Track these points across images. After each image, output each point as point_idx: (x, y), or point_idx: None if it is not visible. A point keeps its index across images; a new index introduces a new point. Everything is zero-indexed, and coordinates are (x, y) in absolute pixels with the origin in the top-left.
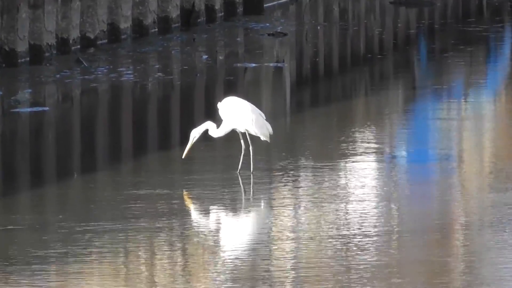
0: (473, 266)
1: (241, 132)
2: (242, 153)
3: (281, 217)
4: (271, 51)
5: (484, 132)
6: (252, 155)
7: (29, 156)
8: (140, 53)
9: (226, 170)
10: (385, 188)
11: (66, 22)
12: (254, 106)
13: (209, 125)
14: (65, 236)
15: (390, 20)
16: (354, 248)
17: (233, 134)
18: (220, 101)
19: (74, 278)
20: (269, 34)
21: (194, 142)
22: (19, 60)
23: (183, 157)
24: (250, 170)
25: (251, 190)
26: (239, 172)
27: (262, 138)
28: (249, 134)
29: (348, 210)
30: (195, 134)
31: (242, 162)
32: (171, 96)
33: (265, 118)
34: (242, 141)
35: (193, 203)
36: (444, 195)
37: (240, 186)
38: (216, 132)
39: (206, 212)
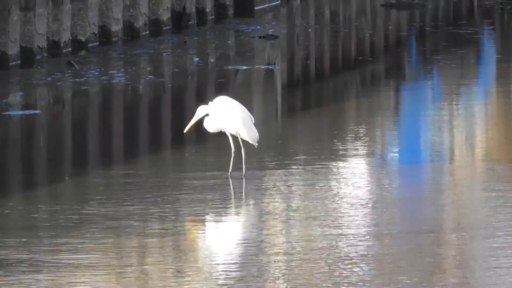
0: (465, 267)
1: (230, 134)
2: (232, 156)
3: (273, 220)
4: (262, 54)
5: (476, 133)
6: (244, 158)
7: (20, 159)
8: (131, 56)
9: (218, 173)
10: (376, 190)
11: (57, 24)
12: (244, 108)
13: (210, 109)
14: (55, 239)
15: (381, 22)
16: (346, 250)
17: (225, 136)
18: (212, 100)
19: (64, 283)
20: (260, 37)
21: (198, 120)
22: (10, 63)
23: (185, 131)
24: (243, 173)
25: (243, 193)
26: (230, 175)
27: (250, 141)
28: (234, 137)
29: (339, 212)
30: (199, 111)
31: (232, 165)
32: (162, 99)
33: (253, 121)
34: (231, 144)
35: (184, 206)
36: (435, 196)
37: (231, 189)
38: (209, 125)
39: (196, 216)
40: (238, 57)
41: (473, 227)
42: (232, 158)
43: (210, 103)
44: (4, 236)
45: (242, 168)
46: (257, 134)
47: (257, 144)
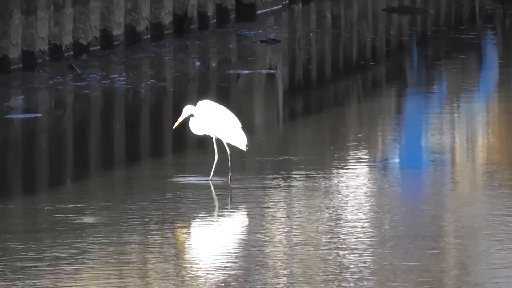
0: (466, 272)
1: (215, 138)
2: (215, 161)
3: (272, 225)
4: (264, 58)
5: (476, 138)
6: (230, 161)
7: (21, 162)
8: (133, 60)
9: (217, 177)
10: (377, 195)
11: (59, 28)
12: (228, 112)
13: (194, 112)
14: (56, 244)
15: (383, 27)
16: (346, 255)
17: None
18: (195, 104)
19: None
20: (261, 41)
21: (186, 117)
22: (12, 67)
23: (174, 127)
24: (228, 177)
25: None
26: (211, 180)
27: (238, 146)
28: (220, 141)
29: (340, 218)
30: (185, 110)
31: (214, 170)
32: (164, 103)
33: (240, 125)
34: (215, 148)
35: (182, 210)
36: (436, 201)
37: (213, 194)
38: (194, 128)
39: (194, 220)
40: (240, 61)
41: (474, 231)
42: (214, 163)
43: (193, 108)
44: (4, 240)
45: (228, 171)
46: (245, 138)
47: (246, 148)
